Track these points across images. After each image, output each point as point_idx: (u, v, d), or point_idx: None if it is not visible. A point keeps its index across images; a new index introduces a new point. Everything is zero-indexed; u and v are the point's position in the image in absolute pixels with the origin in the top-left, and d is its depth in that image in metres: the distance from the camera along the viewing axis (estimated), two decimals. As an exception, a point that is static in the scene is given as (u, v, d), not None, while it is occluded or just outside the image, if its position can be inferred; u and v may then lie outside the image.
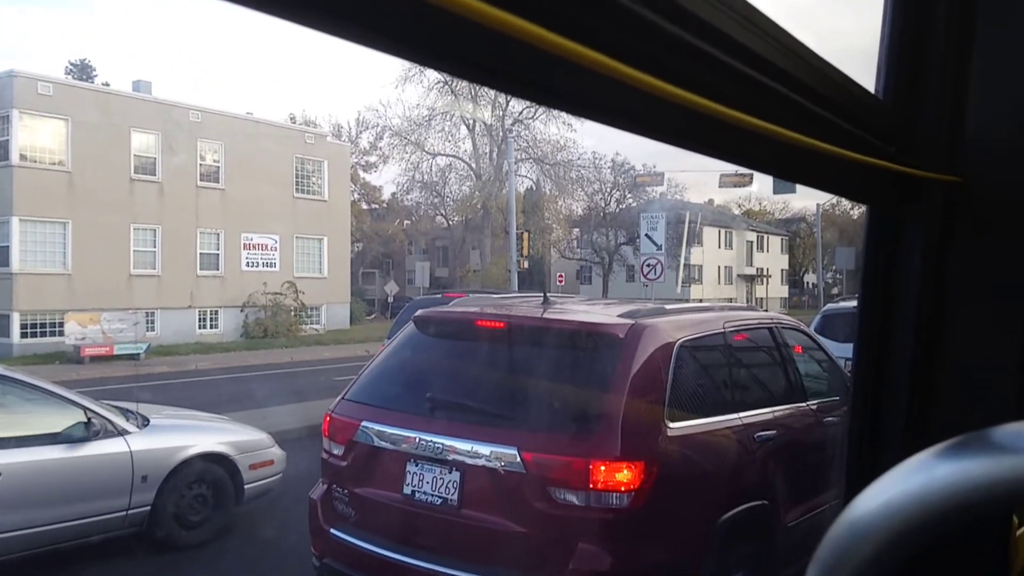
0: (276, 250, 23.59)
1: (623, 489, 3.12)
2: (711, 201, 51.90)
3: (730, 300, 48.66)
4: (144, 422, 5.45)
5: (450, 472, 3.35)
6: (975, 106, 0.89)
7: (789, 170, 0.77)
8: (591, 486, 3.11)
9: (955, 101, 0.90)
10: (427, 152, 36.32)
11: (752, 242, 50.13)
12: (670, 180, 40.71)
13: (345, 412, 3.82)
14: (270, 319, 22.26)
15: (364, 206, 46.89)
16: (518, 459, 3.19)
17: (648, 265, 17.78)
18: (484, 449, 3.29)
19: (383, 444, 3.59)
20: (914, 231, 0.95)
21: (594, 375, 3.52)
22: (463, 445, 3.34)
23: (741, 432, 3.71)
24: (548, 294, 4.39)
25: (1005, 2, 0.89)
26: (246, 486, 5.68)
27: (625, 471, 3.14)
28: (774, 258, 52.34)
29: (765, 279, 49.25)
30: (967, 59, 0.89)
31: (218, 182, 22.21)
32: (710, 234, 46.43)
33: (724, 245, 47.89)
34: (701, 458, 3.56)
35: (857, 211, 56.48)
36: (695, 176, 34.44)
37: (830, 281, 53.16)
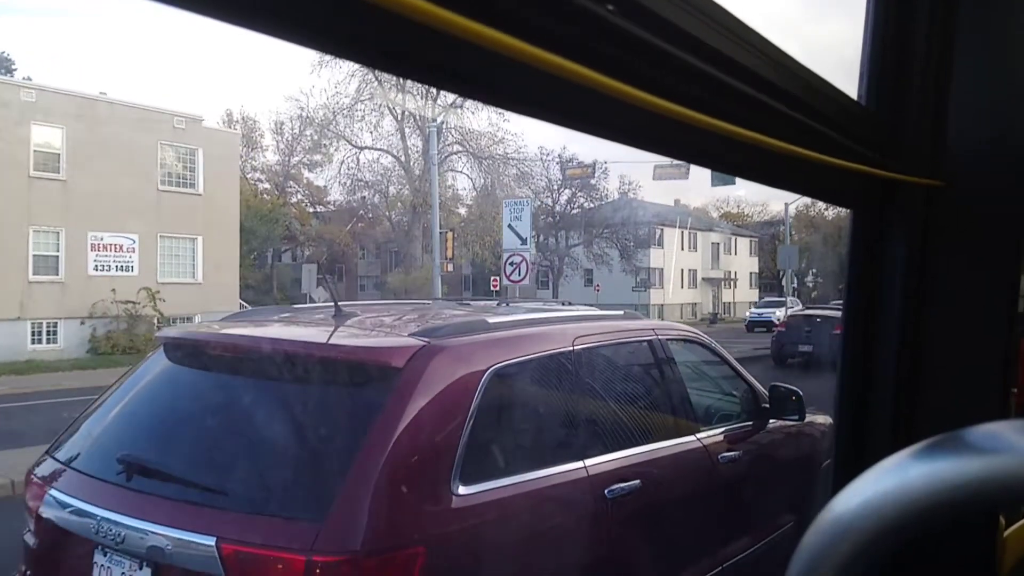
0: (134, 251, 19.74)
1: None
2: (677, 201, 50.46)
3: (694, 305, 44.85)
4: None
5: (140, 568, 2.39)
6: (955, 112, 0.95)
7: (772, 176, 0.80)
8: None
9: (936, 108, 0.95)
10: (353, 146, 32.19)
11: (718, 244, 46.53)
12: (623, 178, 36.75)
13: (42, 474, 2.80)
14: (123, 332, 18.05)
15: (309, 208, 42.75)
16: (215, 553, 2.19)
17: (511, 264, 13.69)
18: (177, 537, 2.30)
19: (68, 522, 2.60)
20: (897, 234, 0.99)
21: (350, 424, 2.47)
22: (154, 530, 2.35)
23: (582, 487, 2.77)
24: (340, 304, 3.25)
25: (985, 12, 0.95)
26: None
27: (369, 570, 2.17)
28: (742, 260, 49.05)
29: (732, 283, 45.36)
30: (948, 67, 0.94)
31: (58, 172, 18.29)
32: (672, 235, 42.50)
33: (688, 247, 44.22)
34: (509, 534, 2.55)
35: (832, 212, 52.94)
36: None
37: (810, 284, 52.35)
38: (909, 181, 0.92)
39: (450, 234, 29.06)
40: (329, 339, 2.78)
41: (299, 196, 44.38)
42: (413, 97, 32.06)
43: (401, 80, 31.64)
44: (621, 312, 4.14)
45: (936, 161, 0.94)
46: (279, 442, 2.56)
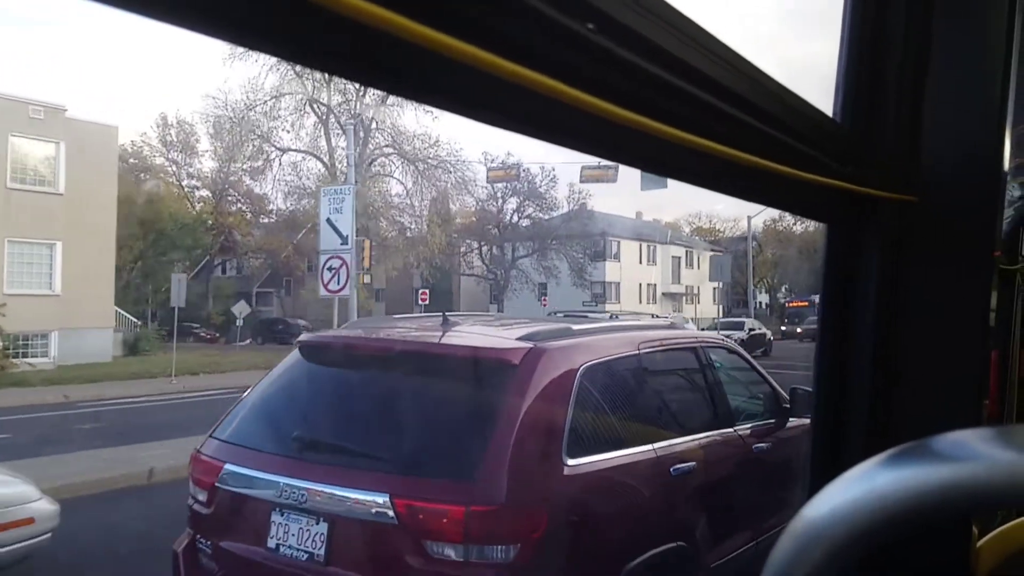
0: (-28, 258, 16.53)
1: (508, 540, 2.85)
2: (639, 214, 49.64)
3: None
4: None
5: (317, 523, 3.04)
6: (929, 129, 0.99)
7: (748, 191, 0.83)
8: (470, 538, 2.82)
9: (910, 125, 0.99)
10: (275, 147, 29.39)
11: (679, 258, 44.47)
12: (572, 186, 34.10)
13: (211, 452, 3.49)
14: (-48, 352, 15.60)
15: (250, 217, 39.89)
16: (390, 507, 2.88)
17: (329, 269, 10.85)
18: (353, 496, 3.00)
19: (247, 490, 3.31)
20: (871, 247, 1.03)
21: (483, 407, 3.27)
22: (331, 492, 3.04)
23: (654, 465, 3.48)
24: (448, 313, 3.99)
25: (957, 33, 0.99)
26: None
27: (510, 519, 2.89)
28: (705, 275, 46.25)
29: (694, 298, 43.13)
30: (921, 85, 0.99)
31: None
32: (629, 248, 39.97)
33: (647, 260, 41.84)
34: (605, 498, 3.31)
35: (801, 226, 51.06)
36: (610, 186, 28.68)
37: (783, 300, 52.11)
38: (883, 196, 0.96)
39: (367, 242, 26.27)
40: (457, 342, 3.55)
41: (240, 205, 41.25)
42: (340, 93, 29.30)
43: (326, 76, 28.84)
44: (669, 322, 5.87)
45: (910, 177, 0.98)
46: (428, 421, 3.27)
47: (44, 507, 5.12)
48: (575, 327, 3.68)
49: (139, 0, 0.33)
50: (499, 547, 2.78)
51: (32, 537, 4.93)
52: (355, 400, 3.46)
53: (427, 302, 31.10)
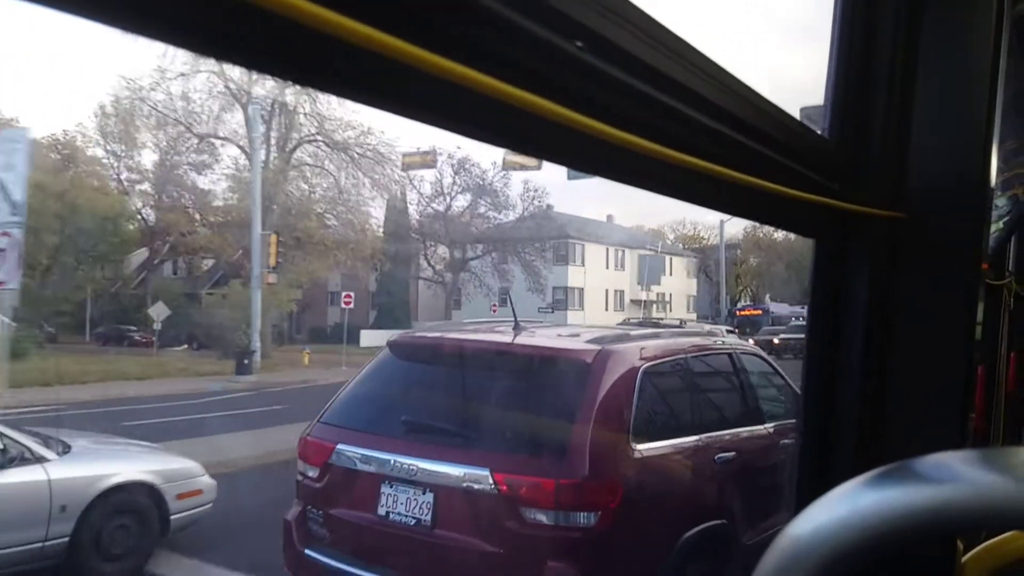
0: None
1: (591, 508, 3.59)
2: (611, 217, 47.24)
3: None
4: (65, 449, 5.63)
5: (423, 493, 3.77)
6: (916, 148, 1.01)
7: (738, 207, 0.84)
8: (560, 506, 3.57)
9: (898, 143, 1.01)
10: (192, 133, 26.73)
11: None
12: (528, 183, 31.33)
13: (320, 435, 4.28)
14: None
15: (197, 216, 37.22)
16: (490, 480, 3.63)
17: None
18: (457, 471, 3.76)
19: (358, 466, 4.07)
20: (859, 263, 1.05)
21: (563, 398, 4.03)
22: (436, 467, 3.79)
23: (702, 453, 4.28)
24: (519, 320, 4.82)
25: (944, 56, 1.02)
26: (172, 516, 5.78)
27: (593, 491, 3.61)
28: (679, 282, 44.86)
29: (666, 305, 40.46)
30: (909, 105, 1.01)
31: None
32: (596, 252, 37.16)
33: (615, 265, 39.05)
34: (665, 479, 4.13)
35: (780, 234, 48.45)
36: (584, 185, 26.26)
37: (730, 308, 49.74)
38: (872, 213, 0.98)
39: (274, 237, 23.37)
40: (537, 343, 4.34)
41: (184, 201, 38.32)
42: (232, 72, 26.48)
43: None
44: (707, 330, 6.52)
45: (898, 194, 0.99)
46: (519, 409, 3.97)
47: (207, 481, 6.02)
48: (632, 332, 4.74)
49: None
50: (583, 514, 3.43)
51: (200, 506, 5.84)
52: (452, 390, 4.20)
53: (351, 305, 28.14)
